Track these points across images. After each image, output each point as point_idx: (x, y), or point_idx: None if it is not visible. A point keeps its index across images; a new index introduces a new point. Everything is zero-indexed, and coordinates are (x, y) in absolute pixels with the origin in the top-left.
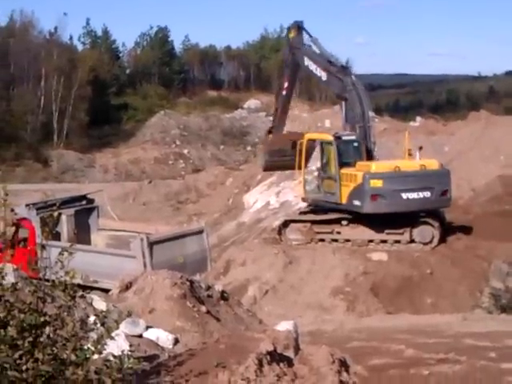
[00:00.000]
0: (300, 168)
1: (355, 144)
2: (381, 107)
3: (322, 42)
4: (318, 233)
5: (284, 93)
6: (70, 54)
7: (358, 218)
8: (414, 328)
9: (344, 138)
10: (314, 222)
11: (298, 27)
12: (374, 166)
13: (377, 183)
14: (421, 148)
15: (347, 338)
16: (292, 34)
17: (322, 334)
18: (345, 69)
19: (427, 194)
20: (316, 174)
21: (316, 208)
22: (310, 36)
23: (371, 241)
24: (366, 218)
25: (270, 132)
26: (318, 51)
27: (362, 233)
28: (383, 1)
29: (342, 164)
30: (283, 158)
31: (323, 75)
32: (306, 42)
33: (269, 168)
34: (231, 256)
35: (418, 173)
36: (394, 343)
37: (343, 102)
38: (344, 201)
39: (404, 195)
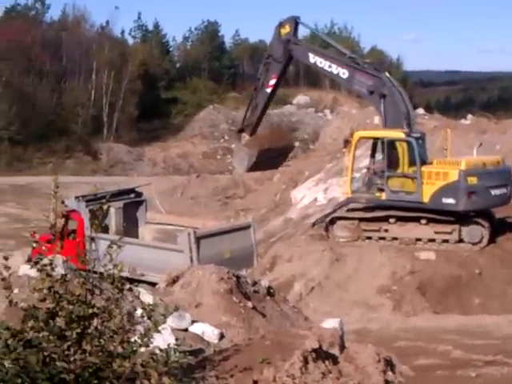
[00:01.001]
0: (349, 166)
1: (421, 141)
2: (431, 104)
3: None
4: (366, 230)
5: (269, 90)
6: (121, 48)
7: (446, 215)
8: (461, 329)
9: (414, 135)
10: (361, 220)
11: (296, 22)
12: (464, 163)
13: (473, 180)
14: (480, 145)
15: (393, 338)
16: (286, 30)
17: (368, 332)
18: (373, 64)
19: (505, 190)
20: (370, 172)
21: (365, 206)
22: (314, 31)
23: (419, 239)
24: (454, 216)
25: (242, 130)
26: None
27: (410, 231)
28: None
29: (421, 162)
30: (272, 158)
31: (343, 72)
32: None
33: (253, 169)
34: (278, 252)
35: (498, 169)
36: (441, 344)
37: (380, 100)
38: (427, 199)
39: (492, 192)
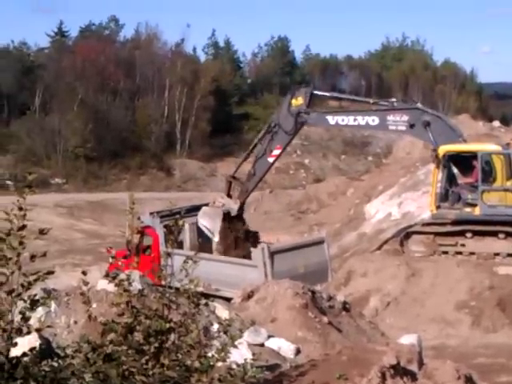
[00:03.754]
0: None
1: None
2: (507, 117)
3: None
4: (442, 245)
5: (271, 160)
6: (193, 65)
7: None
8: None
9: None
10: (437, 234)
11: (311, 94)
12: None
13: None
14: None
15: (473, 354)
16: (299, 102)
17: (446, 348)
18: (400, 101)
19: None
20: (456, 186)
21: (451, 221)
22: (330, 96)
23: (497, 254)
24: None
25: (234, 178)
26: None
27: (488, 246)
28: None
29: None
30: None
31: (372, 119)
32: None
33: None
34: (352, 267)
35: None
36: None
37: (426, 129)
38: None
39: None
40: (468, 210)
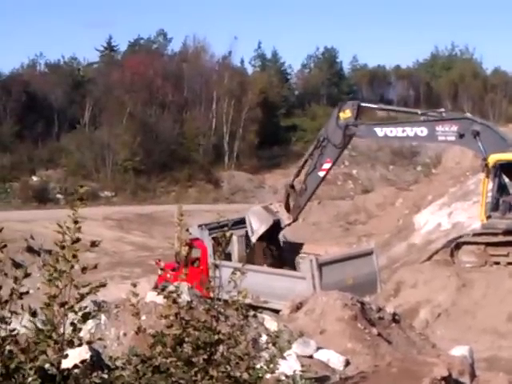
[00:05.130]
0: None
1: None
2: None
3: None
4: (493, 255)
5: (322, 174)
6: (241, 77)
7: None
8: None
9: None
10: (488, 244)
11: (358, 106)
12: None
13: None
14: None
15: None
16: (347, 115)
17: (499, 360)
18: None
19: None
20: (504, 196)
21: (502, 231)
22: (378, 108)
23: None
24: None
25: (292, 187)
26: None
27: None
28: None
29: None
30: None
31: (421, 130)
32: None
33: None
34: (401, 278)
35: None
36: None
37: (476, 139)
38: None
39: None
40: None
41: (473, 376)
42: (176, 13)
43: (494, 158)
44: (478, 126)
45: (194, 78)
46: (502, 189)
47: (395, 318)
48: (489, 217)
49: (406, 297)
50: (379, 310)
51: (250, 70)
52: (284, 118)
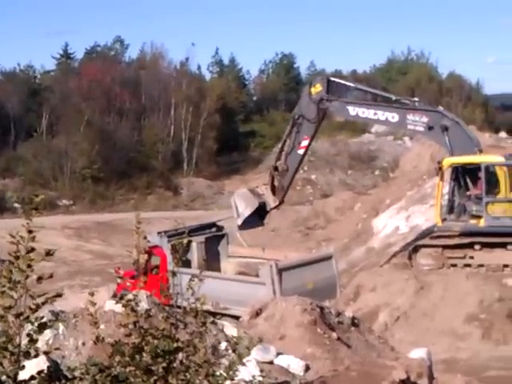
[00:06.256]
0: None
1: None
2: None
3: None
4: (450, 258)
5: (301, 151)
6: (199, 84)
7: None
8: None
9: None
10: (445, 247)
11: (328, 80)
12: None
13: None
14: None
15: (484, 367)
16: (318, 89)
17: (457, 362)
18: (423, 102)
19: None
20: (461, 198)
21: (458, 234)
22: (348, 84)
23: (506, 266)
24: None
25: (275, 169)
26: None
27: (497, 258)
28: None
29: None
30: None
31: (392, 116)
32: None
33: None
34: (361, 282)
35: None
36: None
37: (443, 133)
38: None
39: None
40: (473, 221)
41: (431, 378)
42: (133, 20)
43: (448, 162)
44: (449, 122)
45: (151, 84)
46: (456, 191)
47: (354, 322)
48: (444, 219)
49: (366, 300)
50: (338, 314)
51: (207, 76)
52: (242, 123)
